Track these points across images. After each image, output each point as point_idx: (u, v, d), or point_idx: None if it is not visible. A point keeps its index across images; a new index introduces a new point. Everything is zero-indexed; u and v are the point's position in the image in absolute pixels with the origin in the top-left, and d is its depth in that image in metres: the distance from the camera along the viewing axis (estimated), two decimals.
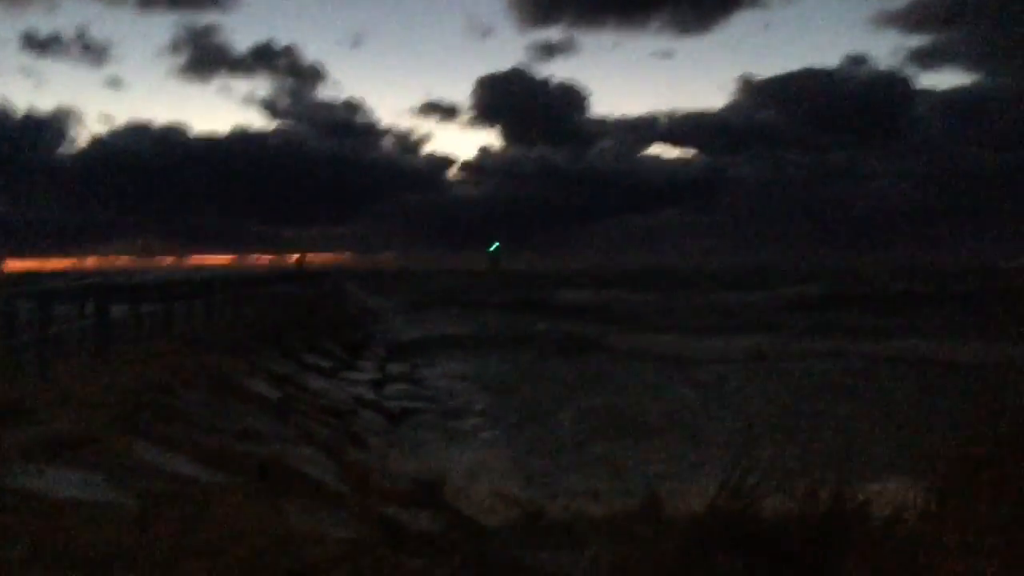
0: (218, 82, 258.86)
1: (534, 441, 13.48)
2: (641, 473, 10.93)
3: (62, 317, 11.97)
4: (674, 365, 23.94)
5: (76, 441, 6.67)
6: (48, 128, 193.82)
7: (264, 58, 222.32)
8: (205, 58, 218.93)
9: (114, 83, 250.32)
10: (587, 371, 23.56)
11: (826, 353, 26.37)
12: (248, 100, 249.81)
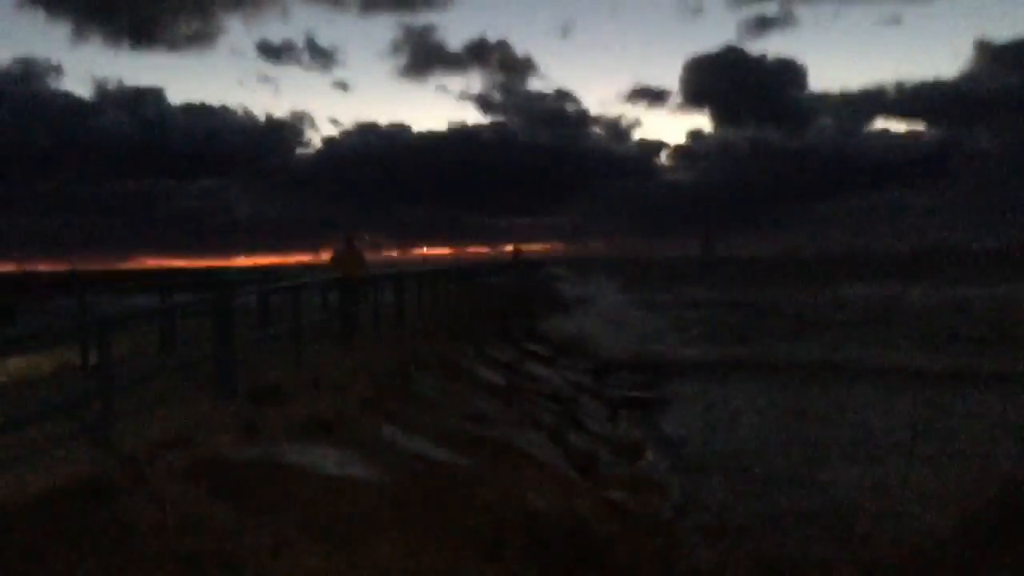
0: (435, 80, 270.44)
1: None
2: None
3: (309, 308, 13.04)
4: None
5: (330, 422, 7.31)
6: (286, 131, 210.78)
7: (477, 54, 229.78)
8: (423, 58, 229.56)
9: (341, 86, 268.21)
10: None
11: None
12: (463, 96, 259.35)
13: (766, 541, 7.52)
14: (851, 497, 9.04)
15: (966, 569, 5.35)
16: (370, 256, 19.01)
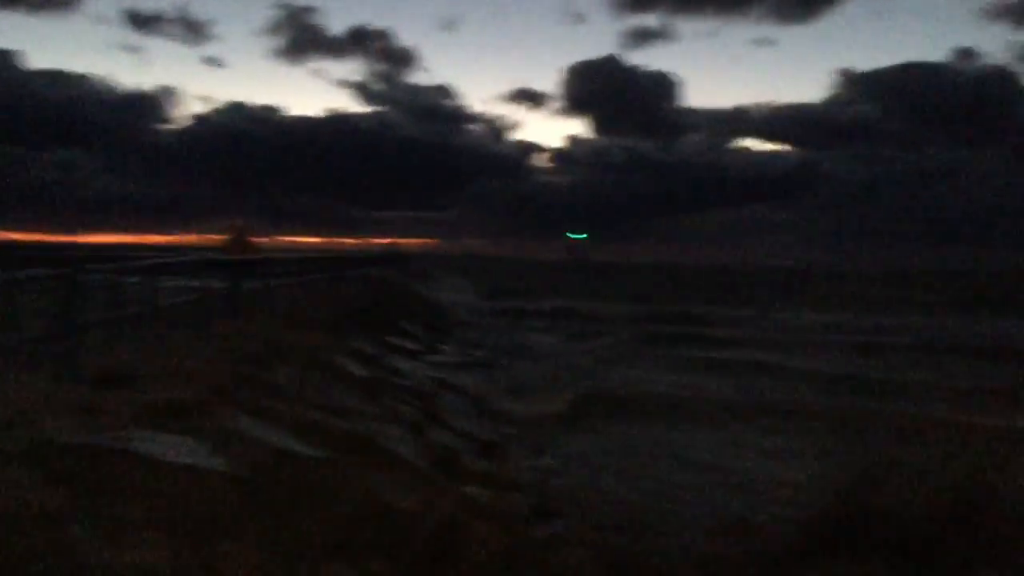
0: (312, 64, 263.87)
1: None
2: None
3: (163, 291, 12.50)
4: None
5: (181, 410, 7.04)
6: (150, 105, 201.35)
7: (358, 41, 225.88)
8: (301, 40, 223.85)
9: (212, 62, 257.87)
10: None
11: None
12: (341, 83, 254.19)
13: (623, 540, 7.78)
14: (709, 497, 9.51)
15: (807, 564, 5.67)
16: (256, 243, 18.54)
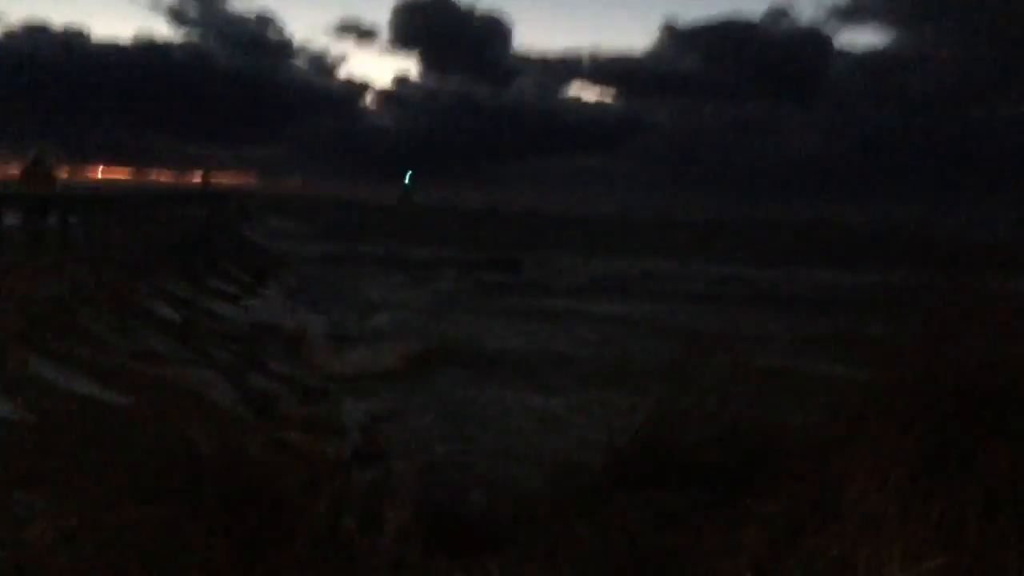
0: None
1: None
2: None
3: None
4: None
5: None
6: None
7: None
8: None
9: None
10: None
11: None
12: (154, 6, 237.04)
13: (444, 480, 7.96)
14: (531, 441, 9.86)
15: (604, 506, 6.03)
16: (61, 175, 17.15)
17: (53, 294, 10.15)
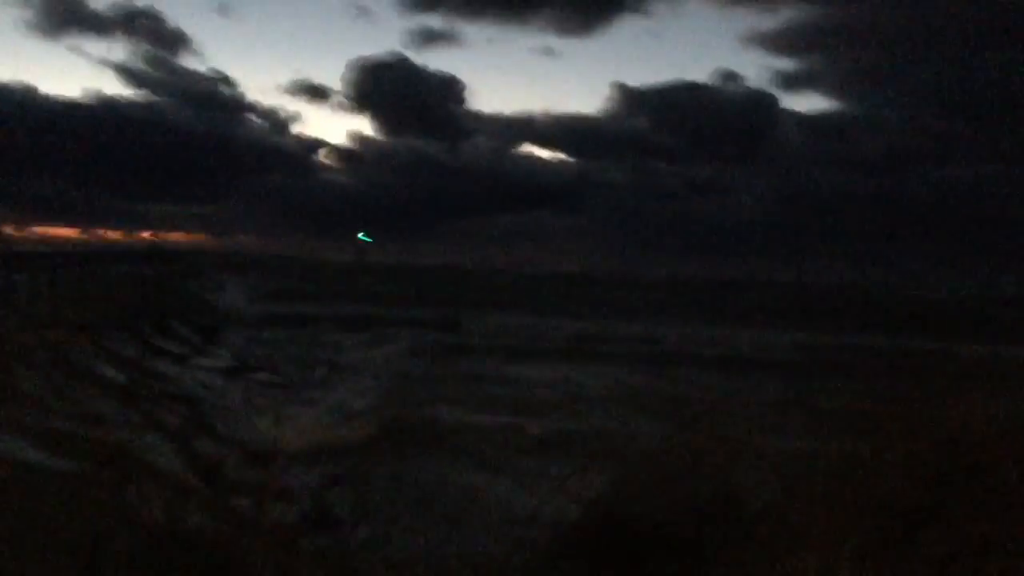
0: (69, 40, 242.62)
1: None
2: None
3: None
4: None
5: None
6: None
7: (123, 18, 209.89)
8: (56, 12, 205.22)
9: None
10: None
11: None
12: (103, 63, 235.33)
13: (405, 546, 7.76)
14: (488, 515, 9.61)
15: None
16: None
17: None
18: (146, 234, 71.81)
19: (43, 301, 17.02)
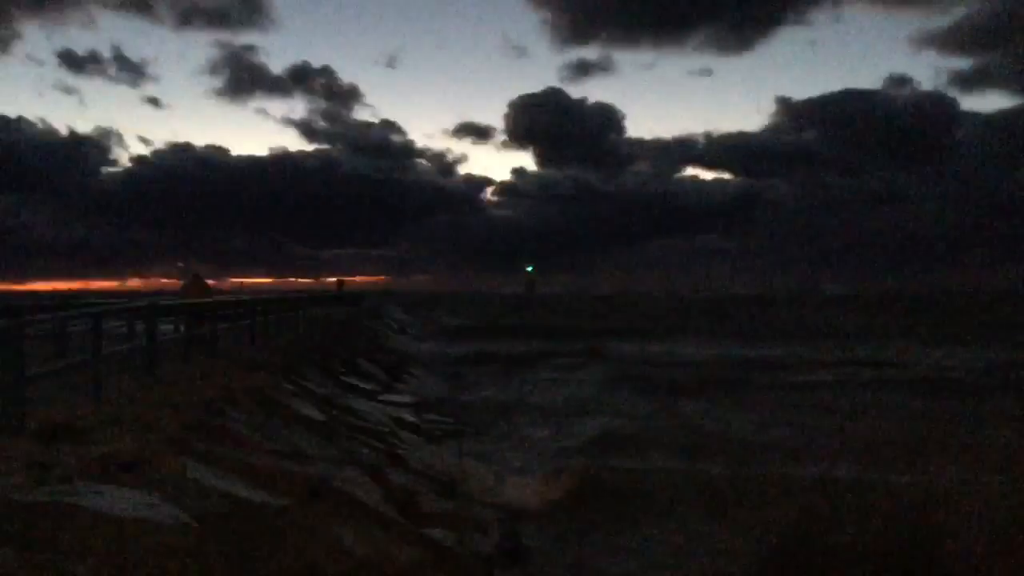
0: (255, 103, 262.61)
1: None
2: None
3: (111, 337, 12.25)
4: None
5: (130, 461, 6.83)
6: (91, 147, 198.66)
7: (300, 79, 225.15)
8: (242, 79, 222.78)
9: (152, 102, 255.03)
10: None
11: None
12: (285, 122, 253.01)
13: None
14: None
15: None
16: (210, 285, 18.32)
17: (205, 398, 10.62)
18: (332, 279, 75.87)
19: (247, 346, 18.25)
